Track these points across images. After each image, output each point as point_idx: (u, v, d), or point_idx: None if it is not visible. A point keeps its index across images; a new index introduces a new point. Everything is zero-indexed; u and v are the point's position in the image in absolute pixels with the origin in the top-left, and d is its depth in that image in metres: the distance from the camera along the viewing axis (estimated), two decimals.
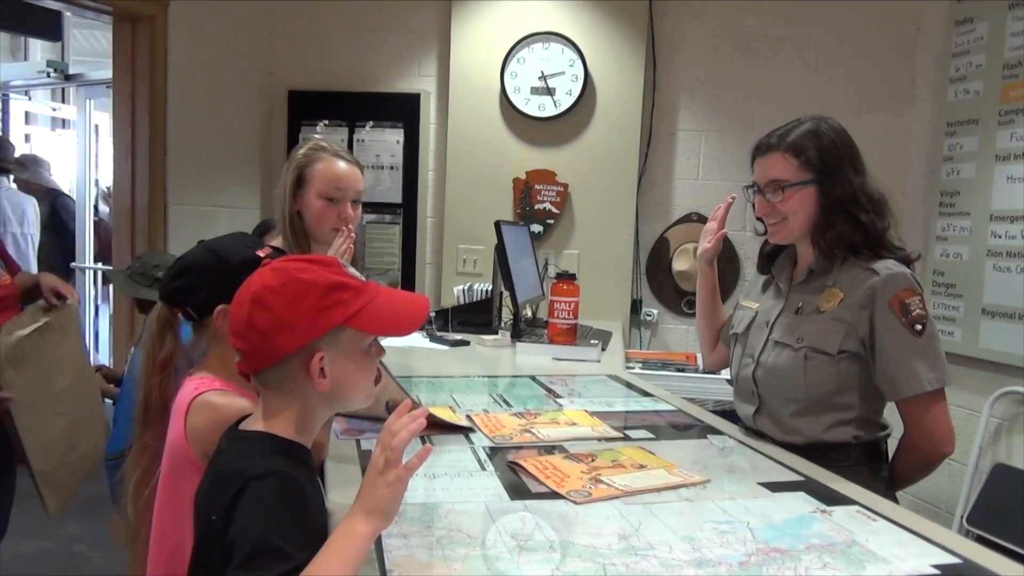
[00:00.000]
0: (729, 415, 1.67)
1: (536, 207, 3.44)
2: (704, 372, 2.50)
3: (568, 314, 2.38)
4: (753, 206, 1.55)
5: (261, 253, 1.24)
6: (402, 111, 3.58)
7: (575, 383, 1.90)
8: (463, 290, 2.96)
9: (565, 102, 3.37)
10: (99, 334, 5.07)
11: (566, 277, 2.44)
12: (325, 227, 1.79)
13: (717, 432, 1.51)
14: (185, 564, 0.99)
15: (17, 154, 4.81)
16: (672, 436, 1.47)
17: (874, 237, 1.45)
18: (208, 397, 1.15)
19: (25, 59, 5.56)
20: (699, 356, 2.68)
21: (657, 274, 3.54)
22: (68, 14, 4.64)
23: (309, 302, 0.91)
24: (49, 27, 4.79)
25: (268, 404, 0.97)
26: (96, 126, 4.85)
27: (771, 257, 1.65)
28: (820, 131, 1.47)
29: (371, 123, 3.59)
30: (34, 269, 4.34)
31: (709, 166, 3.48)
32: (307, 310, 0.91)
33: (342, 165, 1.80)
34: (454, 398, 1.68)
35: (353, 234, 1.76)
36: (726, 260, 3.31)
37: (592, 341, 2.43)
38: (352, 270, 0.98)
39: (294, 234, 1.79)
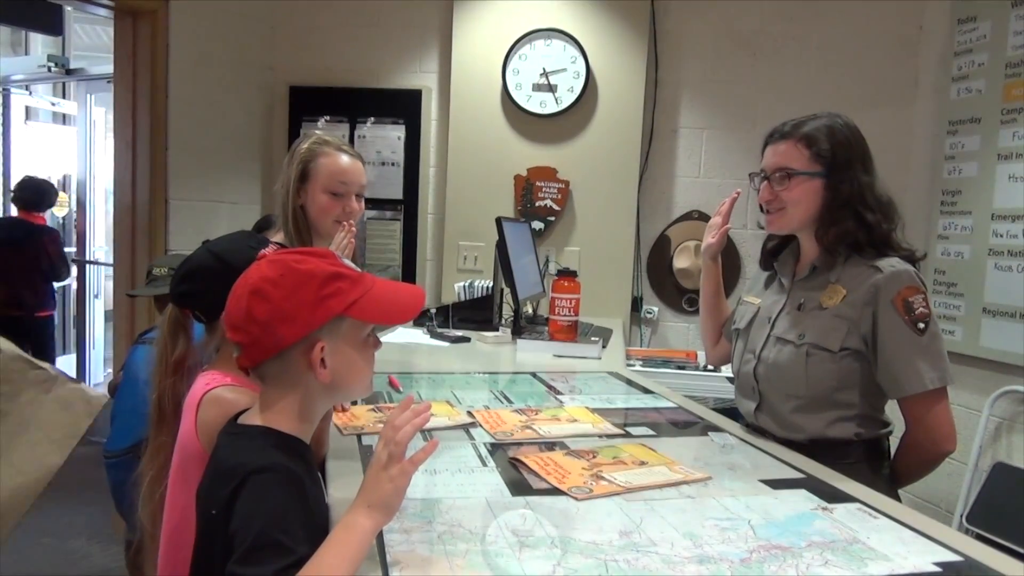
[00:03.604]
0: (730, 412, 1.67)
1: (537, 204, 3.44)
2: (706, 368, 2.50)
3: (569, 311, 2.38)
4: (758, 192, 1.55)
5: (265, 253, 1.24)
6: (403, 107, 3.58)
7: (576, 380, 1.90)
8: (464, 287, 2.96)
9: (567, 99, 3.37)
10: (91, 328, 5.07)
11: (567, 274, 2.44)
12: (328, 221, 1.79)
13: (718, 429, 1.51)
14: (188, 555, 0.99)
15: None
16: (673, 433, 1.47)
17: (879, 237, 1.45)
18: (219, 392, 1.15)
19: (26, 53, 5.56)
20: (699, 354, 2.68)
21: (658, 271, 3.53)
22: (69, 8, 4.63)
23: (308, 292, 0.91)
24: (50, 21, 4.79)
25: (267, 397, 0.97)
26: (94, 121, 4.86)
27: (774, 253, 1.65)
28: (835, 127, 1.47)
29: (372, 119, 3.59)
30: None
31: (710, 164, 3.47)
32: (307, 300, 0.91)
33: (346, 159, 1.81)
34: (455, 394, 1.68)
35: (354, 229, 1.76)
36: (727, 257, 3.30)
37: (593, 338, 2.42)
38: (348, 262, 0.98)
39: (296, 228, 1.79)
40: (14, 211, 4.51)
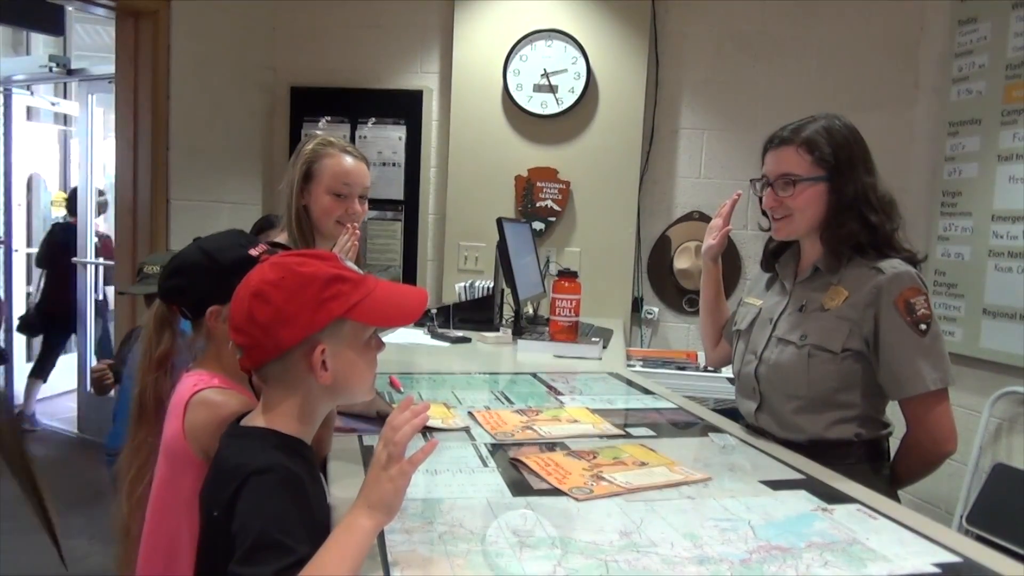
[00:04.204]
0: (730, 413, 1.67)
1: (538, 204, 3.44)
2: (706, 369, 2.50)
3: (569, 312, 2.38)
4: (760, 199, 1.55)
5: (254, 252, 1.23)
6: (404, 108, 3.58)
7: (576, 380, 1.90)
8: (464, 287, 2.96)
9: (567, 99, 3.37)
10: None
11: (567, 275, 2.44)
12: (330, 222, 1.80)
13: (718, 430, 1.51)
14: (181, 560, 0.99)
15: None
16: (673, 434, 1.47)
17: (882, 238, 1.45)
18: (206, 394, 1.14)
19: (27, 54, 5.56)
20: (700, 354, 2.68)
21: (658, 272, 3.54)
22: (70, 9, 4.63)
23: (309, 295, 0.91)
24: (51, 22, 4.79)
25: (269, 398, 0.97)
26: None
27: (775, 255, 1.65)
28: (834, 129, 1.47)
29: (373, 120, 3.59)
30: None
31: (711, 164, 3.48)
32: (308, 303, 0.91)
33: (350, 161, 1.81)
34: (455, 395, 1.68)
35: (358, 231, 1.76)
36: (727, 258, 3.31)
37: (593, 339, 2.43)
38: (350, 264, 0.98)
39: (300, 228, 1.80)
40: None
